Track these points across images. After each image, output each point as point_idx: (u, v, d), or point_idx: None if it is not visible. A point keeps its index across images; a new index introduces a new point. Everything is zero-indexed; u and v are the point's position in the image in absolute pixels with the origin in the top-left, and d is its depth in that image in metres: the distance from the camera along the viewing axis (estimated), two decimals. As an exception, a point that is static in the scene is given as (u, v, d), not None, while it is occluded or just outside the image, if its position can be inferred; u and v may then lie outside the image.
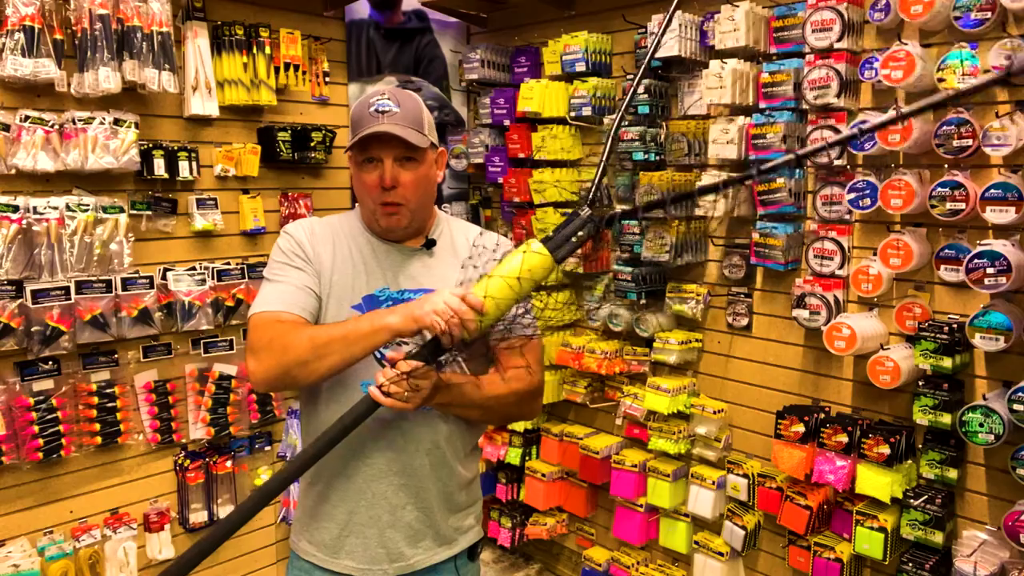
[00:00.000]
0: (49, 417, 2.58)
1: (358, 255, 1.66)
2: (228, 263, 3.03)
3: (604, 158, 1.62)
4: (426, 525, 1.67)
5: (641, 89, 2.89)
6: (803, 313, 2.51)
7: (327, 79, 3.33)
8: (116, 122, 2.61)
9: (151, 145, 2.77)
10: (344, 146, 3.38)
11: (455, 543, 1.72)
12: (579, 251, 1.45)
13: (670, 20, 1.71)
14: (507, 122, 3.41)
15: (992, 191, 2.06)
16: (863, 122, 2.33)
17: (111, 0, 2.53)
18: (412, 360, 1.44)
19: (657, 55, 2.77)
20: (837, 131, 2.39)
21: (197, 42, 2.84)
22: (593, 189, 1.54)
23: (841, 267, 2.46)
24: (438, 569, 1.69)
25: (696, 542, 2.91)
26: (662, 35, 1.69)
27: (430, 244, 1.69)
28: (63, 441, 2.62)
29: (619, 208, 3.12)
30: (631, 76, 2.99)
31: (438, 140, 1.69)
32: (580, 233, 1.45)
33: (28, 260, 2.49)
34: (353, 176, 1.65)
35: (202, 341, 2.98)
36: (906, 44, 2.18)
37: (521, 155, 3.36)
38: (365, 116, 1.58)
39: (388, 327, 1.44)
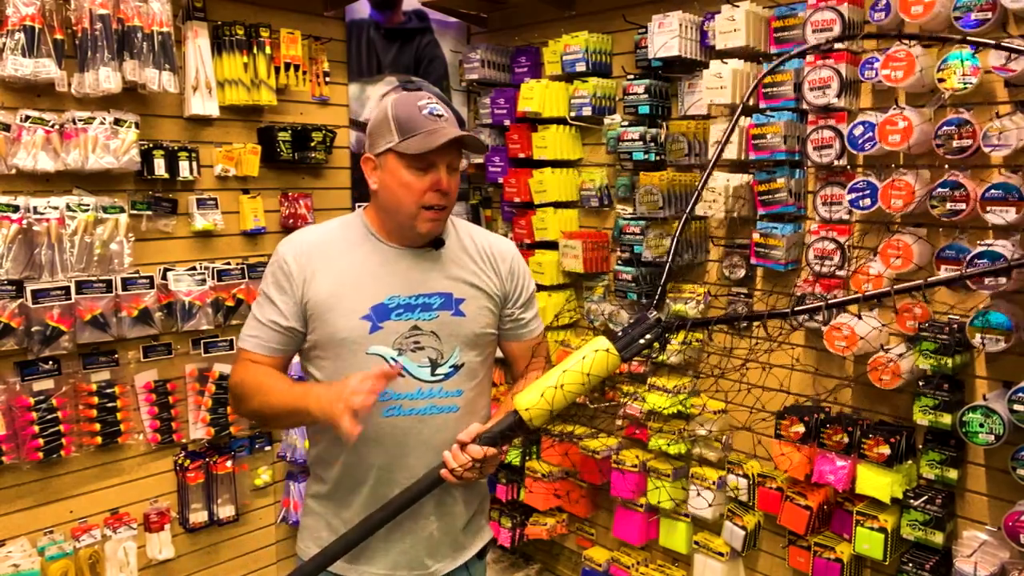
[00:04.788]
0: (49, 417, 2.58)
1: (363, 264, 1.63)
2: (228, 263, 3.03)
3: (669, 263, 1.64)
4: (445, 534, 1.69)
5: (641, 89, 2.89)
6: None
7: (327, 79, 3.33)
8: (116, 122, 2.61)
9: (151, 145, 2.77)
10: (345, 146, 3.42)
11: (469, 548, 1.75)
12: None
13: (734, 127, 1.81)
14: (507, 122, 3.41)
15: (992, 191, 2.06)
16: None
17: (111, 0, 2.54)
18: (485, 447, 1.50)
19: (657, 55, 2.78)
20: (838, 131, 2.39)
21: (197, 42, 2.84)
22: (659, 292, 1.61)
23: (841, 267, 2.46)
24: (452, 574, 1.72)
25: (696, 542, 2.91)
26: (726, 140, 1.78)
27: (439, 244, 1.67)
28: (63, 441, 2.62)
29: (625, 209, 3.12)
30: (631, 76, 2.98)
31: None
32: (647, 336, 1.52)
33: (28, 260, 2.49)
34: (395, 179, 1.58)
35: (202, 341, 2.98)
36: (906, 44, 2.18)
37: (521, 155, 3.36)
38: (419, 119, 1.55)
39: (308, 413, 1.51)
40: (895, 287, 1.37)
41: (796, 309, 1.47)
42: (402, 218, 1.61)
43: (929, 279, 1.35)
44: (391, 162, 1.57)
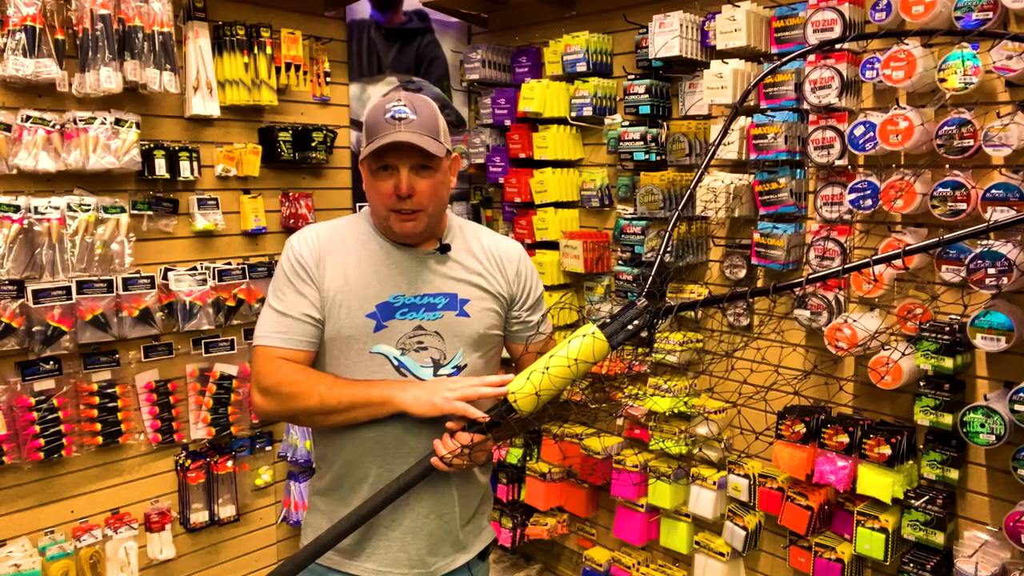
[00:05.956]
0: (50, 417, 2.58)
1: (369, 262, 1.63)
2: (229, 263, 3.03)
3: (661, 254, 1.64)
4: (445, 532, 1.68)
5: (642, 89, 2.89)
6: (804, 313, 2.51)
7: (328, 79, 3.33)
8: (117, 122, 2.61)
9: (152, 145, 2.77)
10: (345, 146, 3.42)
11: (471, 547, 1.74)
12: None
13: (726, 129, 1.83)
14: (508, 122, 3.41)
15: (993, 191, 2.06)
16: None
17: (112, 0, 2.54)
18: (474, 433, 1.51)
19: (658, 55, 2.78)
20: (839, 131, 2.39)
21: (198, 42, 2.84)
22: (650, 281, 1.62)
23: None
24: (453, 573, 1.71)
25: (697, 542, 2.91)
26: (720, 140, 1.81)
27: (444, 248, 1.67)
28: (64, 441, 2.62)
29: (626, 209, 3.12)
30: (632, 76, 2.99)
31: (451, 146, 1.67)
32: (636, 322, 1.53)
33: (29, 260, 2.49)
34: (366, 182, 1.61)
35: (203, 341, 2.98)
36: (907, 44, 2.18)
37: (522, 155, 3.36)
38: (381, 122, 1.53)
39: (399, 406, 1.52)
40: (873, 257, 1.37)
41: (777, 286, 1.48)
42: (379, 220, 1.63)
43: (906, 247, 1.35)
44: (364, 166, 1.60)
